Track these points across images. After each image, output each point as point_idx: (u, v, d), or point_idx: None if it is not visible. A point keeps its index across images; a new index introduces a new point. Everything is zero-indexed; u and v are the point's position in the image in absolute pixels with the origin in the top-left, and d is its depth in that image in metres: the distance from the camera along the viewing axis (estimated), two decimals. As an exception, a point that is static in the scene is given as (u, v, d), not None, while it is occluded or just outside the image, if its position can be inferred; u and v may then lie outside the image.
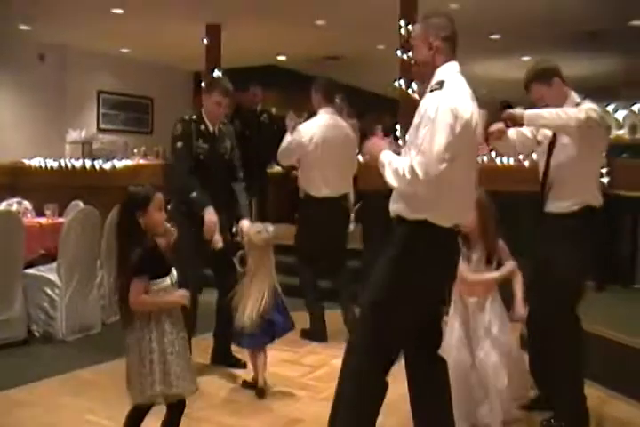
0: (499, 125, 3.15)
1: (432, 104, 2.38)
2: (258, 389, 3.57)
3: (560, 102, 3.10)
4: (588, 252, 3.08)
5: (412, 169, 2.32)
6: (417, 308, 2.51)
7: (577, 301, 3.08)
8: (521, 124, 3.05)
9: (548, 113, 2.94)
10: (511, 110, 3.08)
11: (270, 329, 3.58)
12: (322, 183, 4.62)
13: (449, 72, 2.56)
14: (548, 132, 3.18)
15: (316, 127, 4.62)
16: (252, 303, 3.46)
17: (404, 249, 2.48)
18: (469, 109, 2.39)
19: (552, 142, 3.14)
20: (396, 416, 3.08)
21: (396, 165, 2.41)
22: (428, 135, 2.33)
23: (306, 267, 4.78)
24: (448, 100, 2.37)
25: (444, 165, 2.30)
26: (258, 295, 3.48)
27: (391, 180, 2.42)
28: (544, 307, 3.07)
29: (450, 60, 2.61)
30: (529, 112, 2.99)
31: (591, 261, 3.20)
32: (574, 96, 3.15)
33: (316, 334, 4.66)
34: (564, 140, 3.06)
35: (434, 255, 2.44)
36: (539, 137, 3.25)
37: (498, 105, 7.40)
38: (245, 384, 3.69)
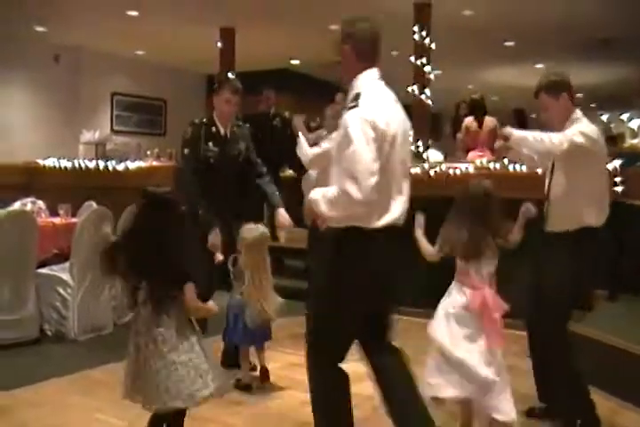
0: (500, 143, 3.14)
1: (351, 122, 2.38)
2: (261, 373, 3.73)
3: (563, 118, 3.12)
4: (576, 273, 3.04)
5: (346, 193, 2.32)
6: (350, 306, 2.56)
7: (563, 320, 3.11)
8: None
9: (532, 137, 2.97)
10: (507, 129, 3.09)
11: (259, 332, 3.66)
12: None
13: (366, 81, 2.53)
14: None
15: None
16: (252, 300, 3.53)
17: (336, 250, 2.54)
18: (384, 120, 2.39)
19: (553, 164, 3.17)
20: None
21: (328, 195, 2.40)
22: (352, 155, 2.33)
23: None
24: (364, 115, 2.37)
25: (374, 179, 2.32)
26: (255, 293, 3.55)
27: (328, 210, 2.41)
28: (540, 320, 3.14)
29: (369, 67, 2.56)
30: (517, 133, 3.02)
31: (584, 281, 3.19)
32: (577, 114, 3.14)
33: None
34: (558, 164, 3.11)
35: (362, 255, 2.48)
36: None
37: (511, 113, 7.40)
38: (237, 385, 3.70)
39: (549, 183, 3.18)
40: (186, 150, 3.87)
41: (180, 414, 2.57)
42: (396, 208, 2.53)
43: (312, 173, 4.34)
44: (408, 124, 2.59)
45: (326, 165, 4.54)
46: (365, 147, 2.33)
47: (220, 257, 3.74)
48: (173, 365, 2.40)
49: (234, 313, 3.66)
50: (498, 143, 3.14)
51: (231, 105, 3.94)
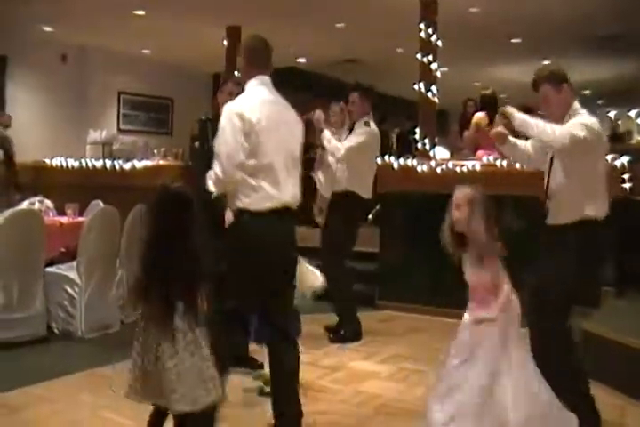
0: (499, 129, 3.13)
1: (223, 113, 2.82)
2: None
3: (563, 109, 3.09)
4: (576, 266, 2.99)
5: (214, 172, 2.77)
6: (244, 282, 2.82)
7: (564, 315, 3.05)
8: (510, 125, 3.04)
9: (535, 125, 2.93)
10: (508, 108, 3.05)
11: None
12: None
13: (251, 85, 2.96)
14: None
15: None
16: None
17: (231, 230, 2.92)
18: (252, 113, 2.77)
19: (551, 162, 3.12)
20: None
21: (210, 174, 2.81)
22: (219, 140, 2.76)
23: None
24: (233, 107, 2.81)
25: (237, 161, 2.72)
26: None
27: (211, 187, 2.82)
28: (540, 316, 3.05)
29: (259, 73, 2.99)
30: (520, 116, 2.98)
31: (587, 275, 3.11)
32: (576, 105, 3.11)
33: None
34: (559, 157, 3.06)
35: (248, 235, 2.81)
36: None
37: (519, 109, 7.35)
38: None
39: (548, 177, 3.13)
40: (196, 143, 3.94)
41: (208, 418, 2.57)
42: (285, 192, 2.82)
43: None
44: (288, 120, 2.96)
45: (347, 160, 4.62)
46: (230, 133, 2.73)
47: None
48: (182, 367, 2.38)
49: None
50: (497, 122, 3.10)
51: (234, 97, 3.92)
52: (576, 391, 3.00)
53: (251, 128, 2.74)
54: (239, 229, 2.84)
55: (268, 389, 3.54)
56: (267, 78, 2.99)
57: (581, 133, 2.86)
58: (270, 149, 2.79)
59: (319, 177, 4.88)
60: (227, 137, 2.73)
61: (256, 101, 2.86)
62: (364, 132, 4.78)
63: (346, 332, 4.73)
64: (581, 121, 2.93)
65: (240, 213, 2.82)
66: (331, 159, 4.74)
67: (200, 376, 2.40)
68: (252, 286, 2.82)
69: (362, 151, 4.71)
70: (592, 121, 2.96)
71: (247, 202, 2.78)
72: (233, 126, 2.73)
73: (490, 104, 6.55)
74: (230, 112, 2.77)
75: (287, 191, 2.83)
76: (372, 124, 4.85)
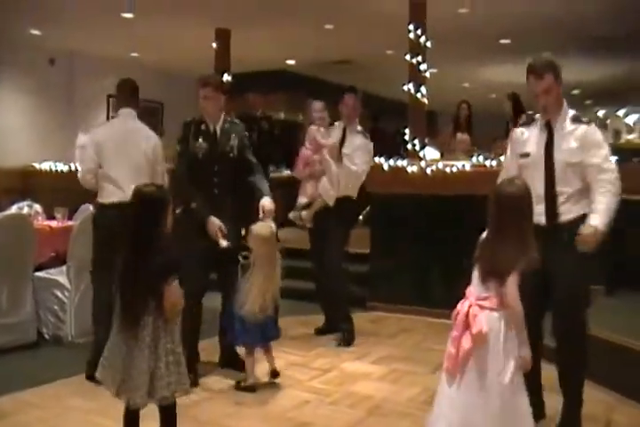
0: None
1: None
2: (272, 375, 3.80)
3: (559, 104, 3.08)
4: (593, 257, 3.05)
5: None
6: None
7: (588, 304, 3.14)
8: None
9: (609, 209, 2.96)
10: (588, 231, 2.90)
11: (265, 329, 3.65)
12: None
13: (115, 116, 4.28)
14: (533, 148, 3.12)
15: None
16: (256, 291, 3.55)
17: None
18: (99, 137, 4.02)
19: (549, 153, 3.07)
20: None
21: None
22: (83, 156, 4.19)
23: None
24: (93, 134, 4.14)
25: (86, 169, 4.04)
26: (264, 284, 3.57)
27: None
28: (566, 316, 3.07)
29: (120, 107, 4.21)
30: (600, 225, 2.91)
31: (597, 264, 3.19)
32: (566, 105, 3.12)
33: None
34: (564, 153, 3.03)
35: (97, 222, 4.13)
36: (525, 150, 3.16)
37: (506, 96, 7.34)
38: (238, 387, 3.71)
39: (552, 181, 3.05)
40: (178, 147, 3.96)
41: (171, 410, 2.59)
42: (128, 191, 3.09)
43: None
44: (136, 140, 4.01)
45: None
46: (83, 152, 4.16)
47: (224, 243, 3.70)
48: (161, 362, 2.46)
49: (240, 316, 3.62)
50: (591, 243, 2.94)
51: (208, 100, 3.90)
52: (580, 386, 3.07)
53: (98, 148, 3.95)
54: (94, 218, 4.12)
55: (244, 382, 3.67)
56: (127, 110, 4.13)
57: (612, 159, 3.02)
58: (113, 162, 3.92)
59: (325, 186, 4.74)
60: (86, 152, 4.06)
61: (108, 129, 4.21)
62: (366, 145, 4.86)
63: (345, 333, 4.72)
64: (604, 146, 3.05)
65: (95, 205, 4.12)
66: (334, 169, 4.72)
67: (170, 366, 2.48)
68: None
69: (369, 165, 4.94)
70: (601, 134, 3.06)
71: (99, 196, 4.00)
72: (89, 146, 4.02)
73: (518, 101, 6.68)
74: (90, 136, 4.13)
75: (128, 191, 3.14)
76: (366, 134, 4.93)
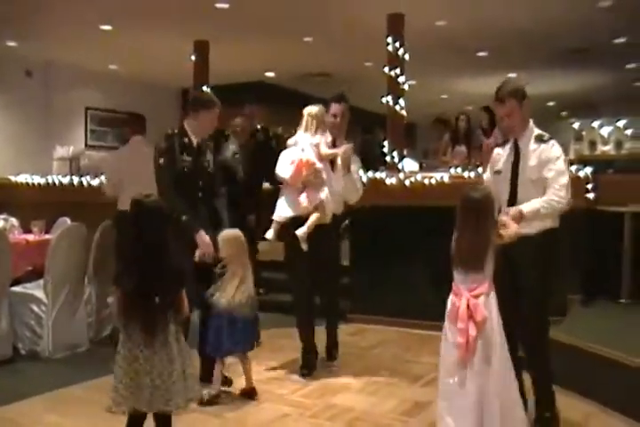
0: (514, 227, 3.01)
1: None
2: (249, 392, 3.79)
3: (523, 126, 3.23)
4: (552, 268, 3.22)
5: None
6: None
7: (547, 324, 3.29)
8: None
9: (542, 207, 3.07)
10: (514, 211, 3.02)
11: (240, 337, 3.64)
12: None
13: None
14: (502, 166, 3.30)
15: None
16: (229, 286, 3.60)
17: None
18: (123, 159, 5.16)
19: (514, 171, 3.23)
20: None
21: None
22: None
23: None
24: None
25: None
26: (236, 280, 3.62)
27: None
28: (527, 325, 3.19)
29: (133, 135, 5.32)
30: (525, 211, 3.03)
31: (556, 275, 3.31)
32: (532, 124, 3.26)
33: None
34: (527, 171, 3.18)
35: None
36: (497, 168, 3.35)
37: (481, 110, 7.43)
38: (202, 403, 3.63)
39: (514, 196, 3.21)
40: (161, 160, 3.83)
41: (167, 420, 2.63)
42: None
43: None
44: (145, 160, 4.13)
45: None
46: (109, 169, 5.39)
47: (209, 258, 3.74)
48: (168, 372, 2.51)
49: (217, 324, 3.62)
50: (513, 228, 2.96)
51: (215, 120, 3.98)
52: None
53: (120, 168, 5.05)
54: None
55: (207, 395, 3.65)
56: (138, 137, 5.25)
57: (567, 171, 3.14)
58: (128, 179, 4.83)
59: (329, 198, 4.24)
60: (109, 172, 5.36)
61: (125, 152, 5.37)
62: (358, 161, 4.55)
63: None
64: (561, 159, 3.14)
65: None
66: (339, 181, 4.32)
67: (184, 377, 2.57)
68: None
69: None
70: (560, 149, 3.16)
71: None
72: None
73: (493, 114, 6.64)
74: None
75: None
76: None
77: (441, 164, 7.06)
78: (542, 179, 3.14)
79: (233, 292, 3.59)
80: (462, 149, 7.13)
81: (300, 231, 4.06)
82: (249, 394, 3.77)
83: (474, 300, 2.75)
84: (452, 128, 7.56)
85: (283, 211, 4.20)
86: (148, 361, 2.50)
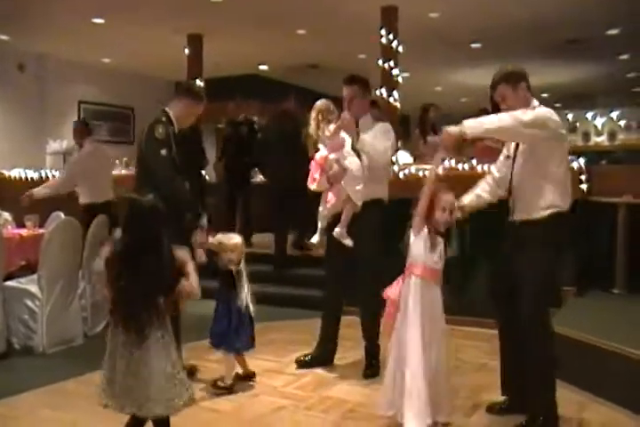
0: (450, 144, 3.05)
1: None
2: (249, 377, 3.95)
3: (521, 107, 3.15)
4: (555, 256, 3.15)
5: None
6: None
7: (551, 302, 3.26)
8: (464, 140, 2.97)
9: (487, 119, 3.00)
10: (446, 128, 2.97)
11: (237, 336, 3.72)
12: None
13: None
14: (510, 151, 3.26)
15: None
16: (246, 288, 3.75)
17: None
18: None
19: (515, 153, 3.22)
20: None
21: None
22: None
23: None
24: None
25: None
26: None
27: None
28: (526, 312, 3.10)
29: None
30: (467, 122, 2.96)
31: (560, 263, 3.28)
32: (535, 103, 3.20)
33: None
34: (522, 149, 3.16)
35: None
36: (506, 152, 3.34)
37: (477, 112, 7.43)
38: (215, 386, 3.79)
39: (511, 173, 3.21)
40: (163, 151, 3.66)
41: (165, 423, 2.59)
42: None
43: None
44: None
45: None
46: None
47: (202, 258, 3.78)
48: (157, 372, 2.46)
49: (237, 318, 3.69)
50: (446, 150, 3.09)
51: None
52: (548, 381, 3.09)
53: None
54: None
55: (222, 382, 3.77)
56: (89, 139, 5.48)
57: (542, 111, 3.04)
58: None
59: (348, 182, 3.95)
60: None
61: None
62: (383, 130, 4.20)
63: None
64: (541, 110, 3.08)
65: None
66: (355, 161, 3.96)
67: (172, 380, 2.49)
68: None
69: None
70: (552, 112, 3.07)
71: None
72: None
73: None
74: None
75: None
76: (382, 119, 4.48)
77: (419, 158, 6.91)
78: (535, 156, 3.08)
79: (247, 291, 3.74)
80: (435, 138, 6.97)
81: (335, 232, 3.93)
82: (249, 377, 3.93)
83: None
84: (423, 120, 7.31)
85: (320, 214, 4.07)
86: (123, 359, 2.46)
